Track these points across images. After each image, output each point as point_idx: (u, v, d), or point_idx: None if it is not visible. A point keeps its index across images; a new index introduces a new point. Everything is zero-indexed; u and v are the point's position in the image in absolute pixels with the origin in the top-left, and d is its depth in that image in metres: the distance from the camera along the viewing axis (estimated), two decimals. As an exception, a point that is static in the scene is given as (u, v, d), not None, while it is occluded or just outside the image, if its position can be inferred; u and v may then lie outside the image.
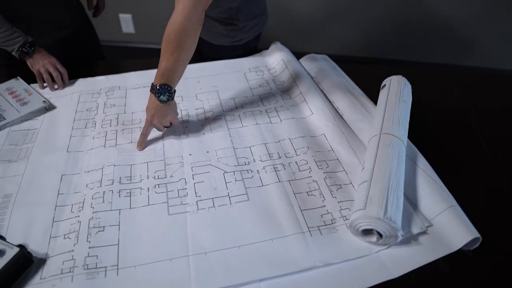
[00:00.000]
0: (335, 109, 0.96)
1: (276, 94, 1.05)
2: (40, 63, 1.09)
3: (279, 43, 1.24)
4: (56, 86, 1.13)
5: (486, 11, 2.04)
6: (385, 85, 0.90)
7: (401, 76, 0.90)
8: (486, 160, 0.83)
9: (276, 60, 1.17)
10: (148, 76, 1.13)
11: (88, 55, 1.38)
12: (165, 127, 0.92)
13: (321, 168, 0.81)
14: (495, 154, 0.84)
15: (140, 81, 1.13)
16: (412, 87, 0.90)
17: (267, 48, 1.26)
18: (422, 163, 0.76)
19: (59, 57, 1.16)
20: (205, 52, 1.26)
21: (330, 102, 0.99)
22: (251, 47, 1.29)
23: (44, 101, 1.05)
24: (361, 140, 0.85)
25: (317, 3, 2.15)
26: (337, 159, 0.83)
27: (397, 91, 0.85)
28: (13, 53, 1.08)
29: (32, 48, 1.08)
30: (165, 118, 0.89)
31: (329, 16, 2.20)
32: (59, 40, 1.27)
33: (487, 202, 0.74)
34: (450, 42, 2.21)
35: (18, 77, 1.16)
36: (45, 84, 1.13)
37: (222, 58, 1.21)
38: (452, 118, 0.96)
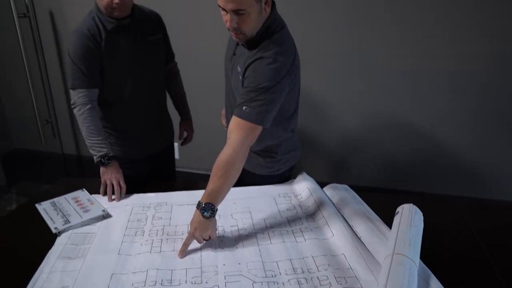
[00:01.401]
0: (354, 232, 1.08)
1: (301, 217, 1.19)
2: (109, 175, 1.34)
3: (305, 173, 1.43)
4: (113, 197, 1.33)
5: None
6: (398, 212, 1.03)
7: (412, 204, 1.04)
8: (496, 282, 0.89)
9: (302, 188, 1.34)
10: (190, 196, 1.32)
11: (163, 175, 1.67)
12: (204, 239, 1.05)
13: (340, 284, 0.89)
14: (507, 276, 0.90)
15: (183, 200, 1.31)
16: (424, 215, 1.02)
17: (295, 176, 1.44)
18: (435, 283, 0.83)
19: (137, 172, 1.44)
20: (244, 179, 1.42)
21: (350, 226, 1.11)
22: (286, 177, 1.47)
23: (103, 210, 1.24)
24: (377, 260, 0.94)
25: (339, 140, 2.43)
26: (355, 276, 0.91)
27: (408, 217, 0.98)
28: (94, 157, 1.36)
29: (109, 161, 1.33)
30: (206, 232, 1.04)
31: (348, 151, 2.45)
32: (144, 157, 1.56)
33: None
34: (462, 174, 2.34)
35: (84, 189, 1.38)
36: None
37: (259, 185, 1.40)
38: (464, 245, 1.04)
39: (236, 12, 1.09)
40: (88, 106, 1.34)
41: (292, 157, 1.44)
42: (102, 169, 1.35)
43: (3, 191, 2.93)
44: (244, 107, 1.14)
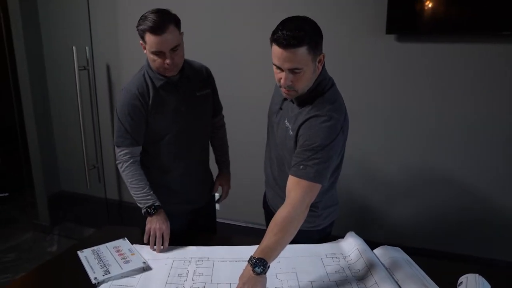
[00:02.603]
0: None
1: (351, 281, 1.10)
2: (154, 225, 1.33)
3: (354, 232, 1.35)
4: (155, 247, 1.31)
5: None
6: (461, 282, 0.93)
7: (477, 274, 0.93)
8: None
9: (351, 248, 1.26)
10: (232, 252, 1.27)
11: (203, 227, 1.64)
12: (252, 296, 0.99)
13: None
14: None
15: (225, 256, 1.26)
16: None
17: (337, 233, 1.36)
18: None
19: (177, 225, 1.41)
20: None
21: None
22: (326, 233, 1.42)
23: (144, 262, 1.21)
24: None
25: (381, 194, 2.31)
26: None
27: (476, 292, 0.87)
28: (141, 208, 1.35)
29: (155, 210, 1.33)
30: None
31: (398, 207, 2.31)
32: (185, 211, 1.55)
33: None
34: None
35: (125, 238, 1.37)
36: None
37: (299, 241, 1.33)
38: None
39: (292, 70, 1.12)
40: (129, 162, 1.37)
41: (332, 212, 1.40)
42: (148, 218, 1.35)
43: (46, 231, 3.01)
44: (301, 166, 1.14)
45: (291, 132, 1.22)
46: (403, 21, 1.90)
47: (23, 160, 3.09)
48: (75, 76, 2.45)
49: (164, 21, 1.24)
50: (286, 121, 1.27)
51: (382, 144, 2.19)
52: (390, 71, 2.05)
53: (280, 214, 1.08)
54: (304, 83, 1.16)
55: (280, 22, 1.13)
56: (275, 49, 1.11)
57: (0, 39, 2.83)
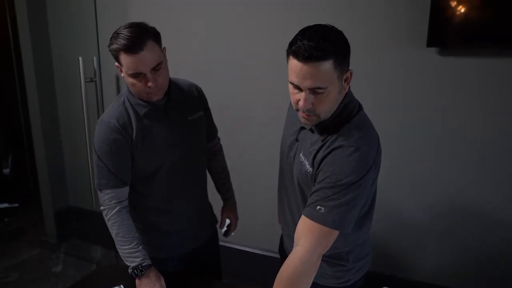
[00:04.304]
0: None
1: None
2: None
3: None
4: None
5: None
6: None
7: None
8: None
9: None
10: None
11: (205, 269, 1.43)
12: None
13: None
14: None
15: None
16: None
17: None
18: None
19: (174, 268, 1.24)
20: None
21: None
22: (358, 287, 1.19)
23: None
24: None
25: (401, 231, 2.04)
26: None
27: None
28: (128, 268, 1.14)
29: (143, 272, 1.12)
30: None
31: (413, 243, 2.04)
32: (182, 254, 1.34)
33: None
34: None
35: (121, 286, 1.19)
36: None
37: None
38: None
39: (314, 90, 0.90)
40: (116, 210, 1.16)
41: (365, 264, 1.18)
42: (136, 281, 1.14)
43: (53, 249, 2.88)
44: (318, 207, 0.92)
45: (308, 168, 1.00)
46: (447, 32, 1.63)
47: (29, 173, 2.97)
48: (81, 89, 2.29)
49: (140, 37, 1.04)
50: (301, 155, 1.04)
51: (419, 174, 1.91)
52: (430, 89, 1.77)
53: (286, 269, 0.89)
54: (328, 106, 0.95)
55: (300, 31, 0.92)
56: (293, 63, 0.90)
57: (8, 50, 2.71)
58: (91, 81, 2.37)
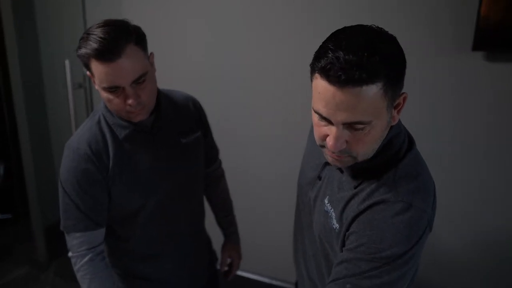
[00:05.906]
0: None
1: None
2: None
3: None
4: None
5: None
6: None
7: None
8: None
9: None
10: None
11: None
12: None
13: None
14: None
15: None
16: None
17: None
18: None
19: None
20: None
21: None
22: None
23: None
24: None
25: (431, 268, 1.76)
26: None
27: None
28: None
29: None
30: None
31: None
32: None
33: None
34: None
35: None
36: None
37: None
38: None
39: (351, 125, 0.63)
40: (87, 258, 0.90)
41: None
42: None
43: (42, 269, 2.66)
44: (348, 285, 0.64)
45: (335, 224, 0.73)
46: (496, 35, 1.35)
47: (16, 186, 2.75)
48: (68, 97, 2.03)
49: (117, 40, 0.78)
50: (326, 201, 0.77)
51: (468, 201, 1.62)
52: (476, 98, 1.49)
53: None
54: (369, 146, 0.67)
55: (332, 37, 0.63)
56: (321, 85, 0.62)
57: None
58: (80, 87, 2.12)
